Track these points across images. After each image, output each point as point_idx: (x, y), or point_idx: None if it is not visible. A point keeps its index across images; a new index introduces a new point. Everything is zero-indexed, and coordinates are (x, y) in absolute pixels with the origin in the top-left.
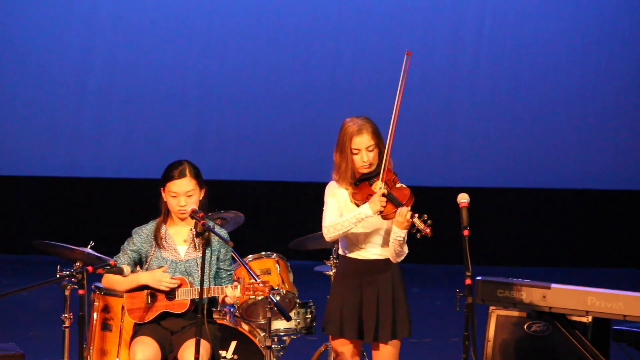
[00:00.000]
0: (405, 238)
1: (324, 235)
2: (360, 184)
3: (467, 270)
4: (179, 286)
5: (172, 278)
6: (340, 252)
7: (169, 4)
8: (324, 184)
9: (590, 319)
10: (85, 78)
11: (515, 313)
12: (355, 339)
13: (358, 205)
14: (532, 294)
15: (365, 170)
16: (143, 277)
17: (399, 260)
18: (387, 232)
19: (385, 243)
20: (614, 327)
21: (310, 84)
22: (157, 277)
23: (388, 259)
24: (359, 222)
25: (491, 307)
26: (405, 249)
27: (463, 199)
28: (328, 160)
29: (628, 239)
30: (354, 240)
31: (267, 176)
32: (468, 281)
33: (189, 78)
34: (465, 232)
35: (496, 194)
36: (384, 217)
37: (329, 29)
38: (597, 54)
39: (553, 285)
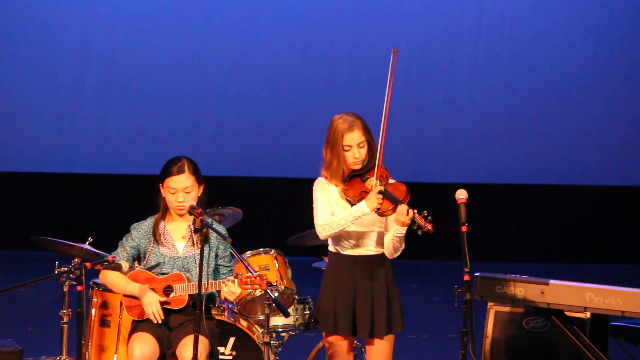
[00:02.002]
0: (404, 234)
1: (318, 234)
2: (352, 180)
3: (466, 267)
4: (169, 288)
5: (164, 280)
6: (331, 249)
7: (167, 0)
8: None
9: (588, 315)
10: (83, 74)
11: (514, 309)
12: (350, 335)
13: (350, 202)
14: (530, 290)
15: (357, 167)
16: (137, 289)
17: (396, 256)
18: (382, 228)
19: (380, 239)
20: (612, 323)
21: (310, 80)
22: (149, 301)
23: (383, 254)
24: (355, 220)
25: (489, 303)
26: (403, 245)
27: (461, 195)
28: None
29: (626, 235)
30: (347, 238)
31: (265, 172)
32: (466, 277)
33: (187, 74)
34: (464, 228)
35: (494, 190)
36: (381, 214)
37: (327, 27)
38: (595, 51)
39: (551, 282)
